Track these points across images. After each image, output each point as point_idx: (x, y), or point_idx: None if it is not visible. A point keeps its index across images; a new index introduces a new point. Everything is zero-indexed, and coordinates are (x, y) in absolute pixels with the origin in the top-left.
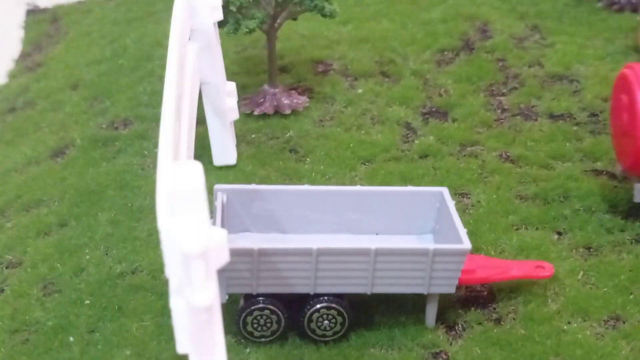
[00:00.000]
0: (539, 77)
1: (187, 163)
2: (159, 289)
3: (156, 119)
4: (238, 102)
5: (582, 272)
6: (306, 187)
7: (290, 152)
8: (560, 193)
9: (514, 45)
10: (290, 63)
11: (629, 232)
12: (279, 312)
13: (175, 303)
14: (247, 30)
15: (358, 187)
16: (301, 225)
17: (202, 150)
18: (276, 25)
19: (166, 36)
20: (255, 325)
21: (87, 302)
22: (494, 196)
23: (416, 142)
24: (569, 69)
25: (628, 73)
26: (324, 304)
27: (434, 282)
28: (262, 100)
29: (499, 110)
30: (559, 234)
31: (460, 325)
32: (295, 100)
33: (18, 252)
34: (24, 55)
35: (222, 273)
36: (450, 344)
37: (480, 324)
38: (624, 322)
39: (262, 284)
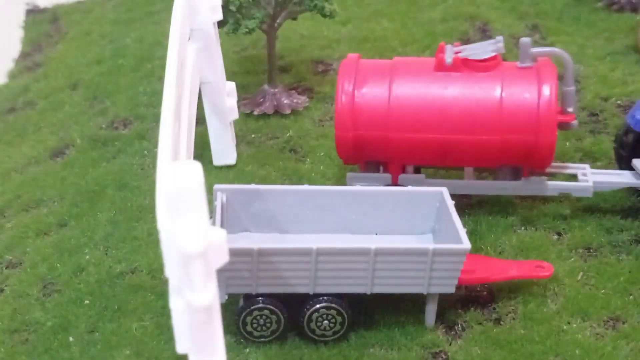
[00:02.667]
0: None
1: (187, 163)
2: (159, 289)
3: (156, 119)
4: (238, 102)
5: (581, 273)
6: (306, 187)
7: (290, 152)
8: (559, 194)
9: (514, 45)
10: (290, 63)
11: (628, 233)
12: (279, 312)
13: (175, 303)
14: (247, 30)
15: (358, 187)
16: (301, 225)
17: (202, 150)
18: (276, 25)
19: (166, 36)
20: (254, 325)
21: (87, 302)
22: (494, 196)
23: None
24: None
25: (341, 63)
26: (323, 304)
27: (433, 282)
28: (262, 100)
29: None
30: (559, 234)
31: (459, 325)
32: (295, 100)
33: (18, 252)
34: (24, 55)
35: (222, 273)
36: (450, 344)
37: (480, 323)
38: (623, 323)
39: (262, 284)
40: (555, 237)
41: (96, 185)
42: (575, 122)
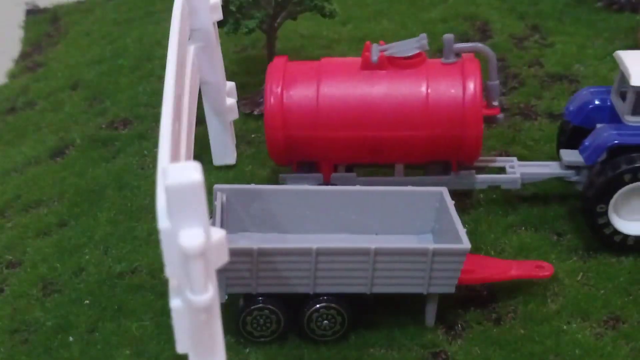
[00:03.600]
0: (538, 77)
1: (187, 163)
2: (159, 289)
3: (156, 119)
4: (238, 102)
5: (581, 273)
6: (306, 187)
7: None
8: (560, 193)
9: (513, 45)
10: None
11: None
12: (279, 312)
13: (175, 303)
14: (247, 30)
15: (358, 187)
16: (301, 225)
17: (202, 150)
18: (276, 25)
19: (166, 36)
20: (254, 325)
21: (87, 302)
22: (494, 196)
23: None
24: (569, 68)
25: (268, 66)
26: (323, 304)
27: (433, 282)
28: (262, 100)
29: None
30: (559, 234)
31: (459, 325)
32: None
33: (18, 252)
34: (24, 55)
35: (222, 273)
36: (450, 344)
37: (479, 323)
38: (623, 323)
39: (262, 284)
40: (555, 237)
41: (96, 185)
42: (500, 116)
